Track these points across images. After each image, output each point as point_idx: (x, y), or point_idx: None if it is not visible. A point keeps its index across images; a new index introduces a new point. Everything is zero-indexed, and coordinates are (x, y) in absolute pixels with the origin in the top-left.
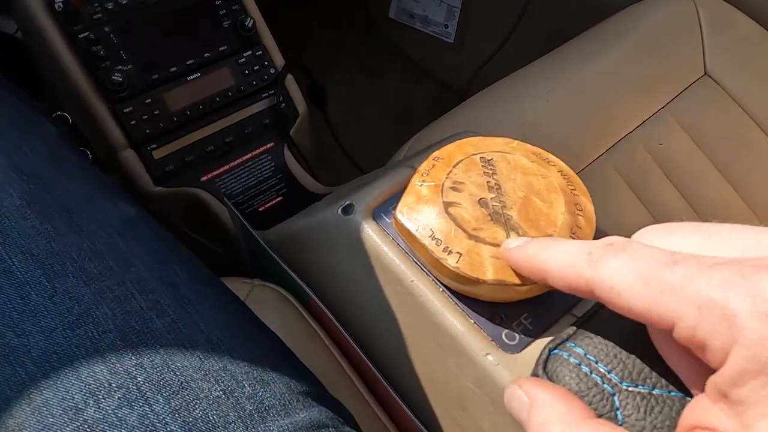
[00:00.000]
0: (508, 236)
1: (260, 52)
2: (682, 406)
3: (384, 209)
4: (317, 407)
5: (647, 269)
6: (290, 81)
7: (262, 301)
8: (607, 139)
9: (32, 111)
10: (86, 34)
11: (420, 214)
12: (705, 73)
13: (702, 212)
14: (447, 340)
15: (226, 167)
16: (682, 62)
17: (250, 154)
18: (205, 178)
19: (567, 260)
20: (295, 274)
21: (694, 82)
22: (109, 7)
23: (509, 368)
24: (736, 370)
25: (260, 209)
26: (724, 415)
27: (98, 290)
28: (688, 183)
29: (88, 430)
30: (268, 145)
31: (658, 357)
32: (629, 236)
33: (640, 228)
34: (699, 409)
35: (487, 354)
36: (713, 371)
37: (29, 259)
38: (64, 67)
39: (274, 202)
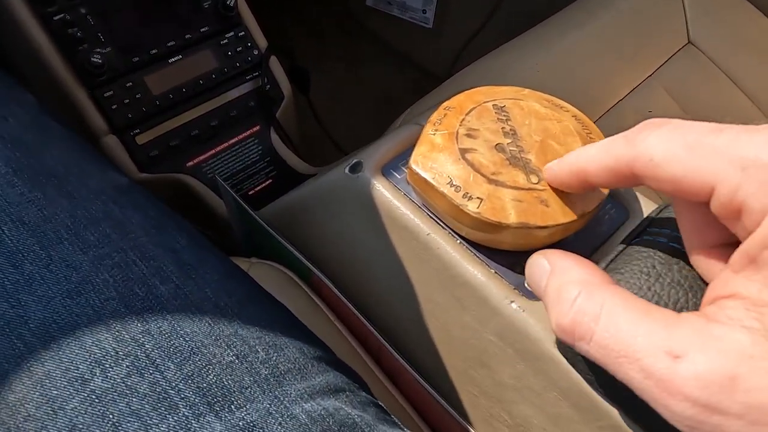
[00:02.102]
0: (528, 179)
1: (242, 33)
2: None
3: (393, 166)
4: (333, 372)
5: (691, 136)
6: (274, 63)
7: (262, 278)
8: (597, 107)
9: (10, 82)
10: (61, 15)
11: (436, 162)
12: (689, 42)
13: None
14: (467, 292)
15: (212, 152)
16: (665, 31)
17: (236, 138)
18: (191, 163)
19: (604, 149)
20: (294, 248)
21: (678, 50)
22: None
23: (534, 315)
24: None
25: (250, 193)
26: (747, 281)
27: (97, 257)
28: None
29: (96, 400)
30: (255, 128)
31: (691, 287)
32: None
33: (635, 191)
34: (720, 283)
35: (511, 302)
36: (732, 251)
37: (20, 228)
38: (38, 50)
39: (264, 185)
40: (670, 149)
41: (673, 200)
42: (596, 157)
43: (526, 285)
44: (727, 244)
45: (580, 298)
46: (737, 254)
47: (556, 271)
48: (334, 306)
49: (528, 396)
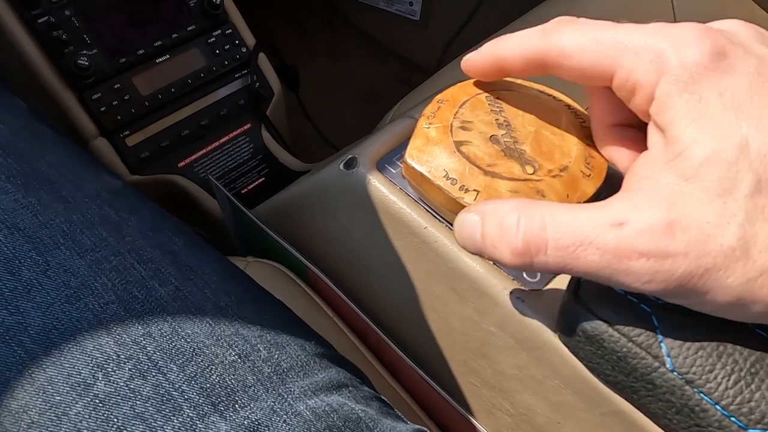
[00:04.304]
0: (523, 170)
1: (230, 30)
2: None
3: (388, 160)
4: (335, 368)
5: (597, 31)
6: (263, 60)
7: (258, 277)
8: (581, 101)
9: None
10: (46, 18)
11: (431, 155)
12: None
13: None
14: (466, 285)
15: (204, 151)
16: (652, 14)
17: (227, 137)
18: (182, 163)
19: (521, 39)
20: (290, 245)
21: None
22: None
23: (533, 304)
24: (664, 93)
25: (243, 191)
26: (652, 147)
27: (94, 261)
28: None
29: (99, 405)
30: (245, 127)
31: None
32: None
33: None
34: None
35: (511, 292)
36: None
37: (15, 234)
38: (24, 54)
39: (256, 183)
40: (580, 42)
41: (586, 88)
42: (513, 46)
43: (525, 275)
44: (628, 125)
45: (522, 218)
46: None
47: (488, 213)
48: (331, 302)
49: (530, 385)
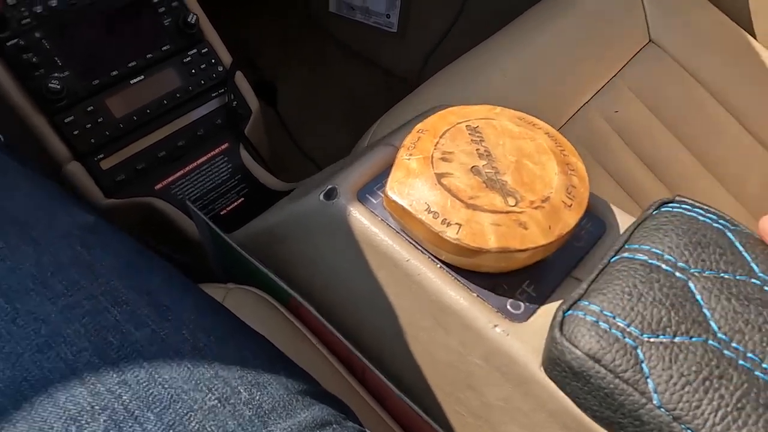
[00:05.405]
0: (505, 202)
1: (206, 49)
2: (705, 351)
3: (369, 190)
4: (318, 405)
5: None
6: (240, 78)
7: (239, 305)
8: (566, 109)
9: None
10: (15, 41)
11: (412, 188)
12: (650, 40)
13: (659, 171)
14: (450, 318)
15: (181, 172)
16: (627, 31)
17: (205, 157)
18: (159, 185)
19: None
20: (271, 272)
21: (640, 49)
22: (38, 11)
23: (519, 337)
24: None
25: (222, 213)
26: None
27: (66, 306)
28: (645, 146)
29: None
30: (223, 146)
31: (672, 304)
32: None
33: (605, 194)
34: None
35: (495, 326)
36: None
37: None
38: None
39: (235, 204)
40: None
41: None
42: None
43: (508, 307)
44: None
45: None
46: None
47: None
48: (315, 330)
49: (516, 417)
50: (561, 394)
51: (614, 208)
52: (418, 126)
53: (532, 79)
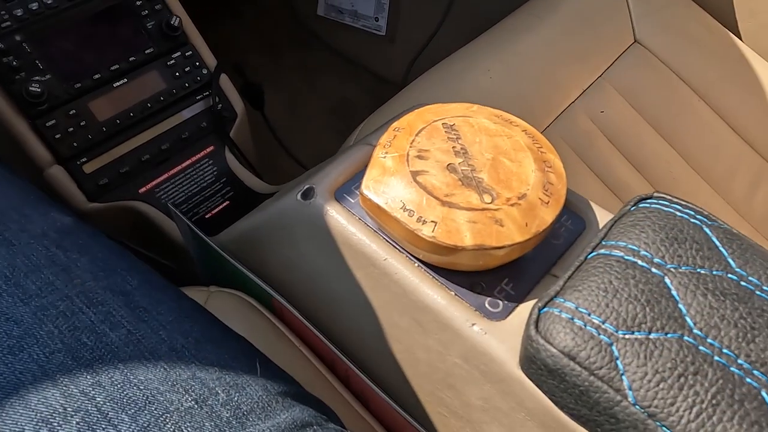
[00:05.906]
0: (481, 199)
1: (190, 52)
2: (681, 347)
3: (346, 189)
4: (298, 406)
5: None
6: (225, 80)
7: (222, 308)
8: (551, 109)
9: None
10: None
11: (388, 186)
12: (635, 41)
13: (645, 171)
14: (429, 317)
15: (165, 176)
16: (612, 31)
17: (189, 160)
18: (143, 189)
19: None
20: (253, 275)
21: (625, 49)
22: (19, 15)
23: (497, 336)
24: None
25: (207, 216)
26: None
27: (39, 307)
28: (631, 146)
29: None
30: (208, 149)
31: (648, 300)
32: None
33: (590, 193)
34: None
35: (473, 324)
36: None
37: None
38: None
39: (221, 207)
40: None
41: None
42: None
43: (486, 305)
44: None
45: None
46: None
47: None
48: (298, 331)
49: (497, 416)
50: (539, 392)
51: (594, 206)
52: (395, 124)
53: (518, 80)
